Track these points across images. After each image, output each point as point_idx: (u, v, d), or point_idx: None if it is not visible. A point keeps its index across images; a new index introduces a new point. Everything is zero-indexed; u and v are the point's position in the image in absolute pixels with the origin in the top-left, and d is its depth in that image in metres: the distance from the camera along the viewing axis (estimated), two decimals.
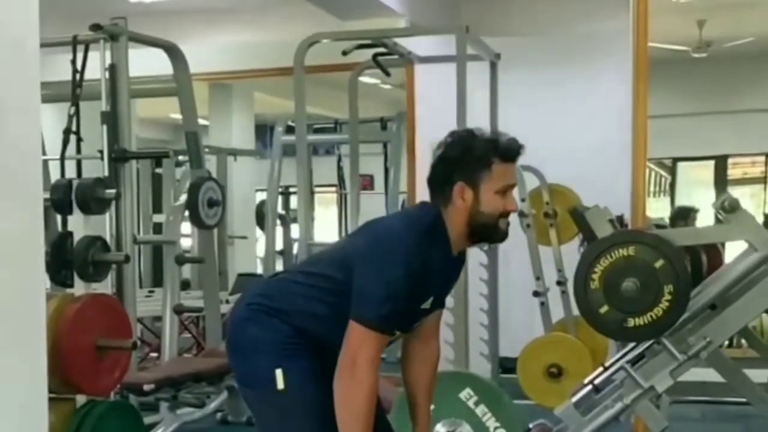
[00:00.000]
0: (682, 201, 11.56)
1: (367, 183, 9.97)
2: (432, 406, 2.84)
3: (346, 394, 2.45)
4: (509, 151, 2.58)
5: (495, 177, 2.55)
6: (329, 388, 2.52)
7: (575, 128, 6.47)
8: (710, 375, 3.65)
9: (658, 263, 3.09)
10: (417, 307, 2.59)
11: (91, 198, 3.75)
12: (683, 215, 7.67)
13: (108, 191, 3.84)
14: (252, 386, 2.61)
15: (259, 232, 9.71)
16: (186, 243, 6.88)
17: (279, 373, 2.51)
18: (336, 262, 2.59)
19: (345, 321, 2.48)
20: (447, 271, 2.67)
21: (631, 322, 3.11)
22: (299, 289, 2.59)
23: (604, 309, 3.13)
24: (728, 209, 3.12)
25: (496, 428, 3.52)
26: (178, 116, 11.71)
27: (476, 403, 3.55)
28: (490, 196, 2.56)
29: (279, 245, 8.63)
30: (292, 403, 2.53)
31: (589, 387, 3.39)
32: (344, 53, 5.39)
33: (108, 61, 4.71)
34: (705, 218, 10.88)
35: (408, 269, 2.45)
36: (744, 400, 5.06)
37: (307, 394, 2.53)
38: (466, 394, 3.56)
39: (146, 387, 4.34)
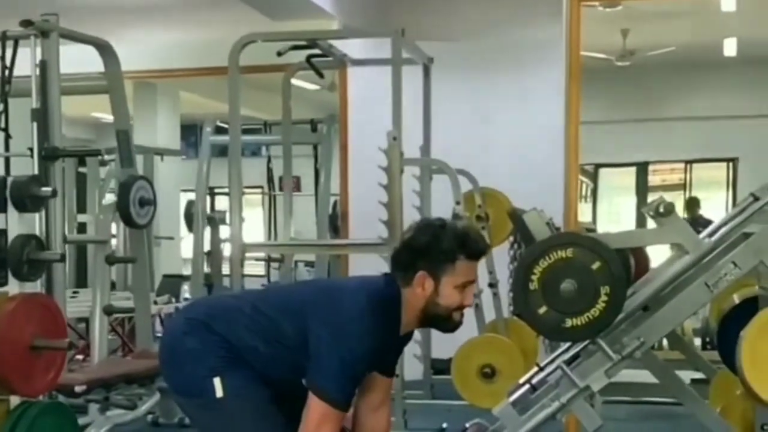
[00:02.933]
0: (603, 207, 11.83)
1: (294, 185, 9.96)
2: None
3: None
4: (476, 250, 2.66)
5: (457, 273, 2.62)
6: (267, 394, 2.56)
7: (506, 133, 6.58)
8: (635, 376, 3.74)
9: (595, 265, 3.15)
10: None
11: (27, 196, 3.68)
12: None
13: (44, 189, 3.78)
14: (190, 396, 2.62)
15: (183, 233, 9.63)
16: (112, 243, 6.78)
17: (217, 381, 2.54)
18: (289, 313, 2.61)
19: (280, 365, 2.55)
20: (390, 350, 2.72)
21: (569, 323, 3.17)
22: (244, 321, 2.61)
23: (542, 310, 3.18)
24: (663, 213, 3.20)
25: None
26: (100, 115, 11.56)
27: None
28: (450, 291, 2.62)
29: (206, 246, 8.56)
30: (232, 409, 2.55)
31: (526, 386, 3.45)
32: (279, 54, 5.37)
33: (39, 58, 4.62)
34: (626, 223, 11.15)
35: (366, 349, 2.52)
36: (668, 399, 5.23)
37: (246, 400, 2.56)
38: None
39: (78, 388, 4.27)
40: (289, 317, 2.58)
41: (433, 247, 2.59)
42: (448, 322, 2.68)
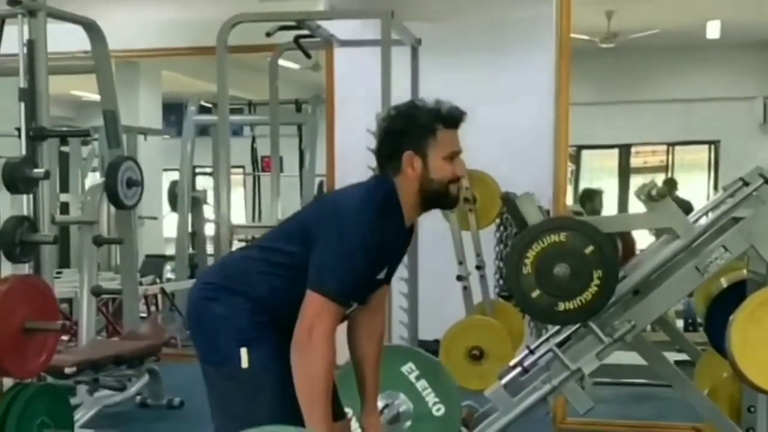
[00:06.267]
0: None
1: None
2: None
3: (304, 363, 2.47)
4: (452, 117, 2.67)
5: (441, 144, 2.63)
6: (290, 369, 2.54)
7: (494, 115, 6.54)
8: (620, 357, 3.77)
9: (588, 249, 3.17)
10: (373, 278, 2.64)
11: (19, 177, 3.67)
12: (590, 196, 7.97)
13: (36, 171, 3.76)
14: (215, 364, 2.61)
15: (165, 212, 9.60)
16: None
17: (244, 351, 2.53)
18: (293, 235, 2.60)
19: (301, 299, 2.49)
20: (399, 244, 2.72)
21: (561, 306, 3.19)
22: (257, 266, 2.60)
23: (535, 293, 3.20)
24: (656, 197, 3.22)
25: (435, 403, 3.56)
26: (79, 93, 11.44)
27: (417, 378, 3.58)
28: (439, 163, 2.62)
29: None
30: (255, 380, 2.54)
31: (517, 369, 3.47)
32: (268, 34, 5.37)
33: (26, 37, 4.58)
34: (607, 205, 11.18)
35: (367, 243, 2.49)
36: (652, 381, 5.28)
37: (271, 373, 2.55)
38: (408, 368, 3.59)
39: (68, 370, 4.28)
40: (295, 239, 2.56)
41: (411, 124, 2.61)
42: (446, 197, 2.67)
